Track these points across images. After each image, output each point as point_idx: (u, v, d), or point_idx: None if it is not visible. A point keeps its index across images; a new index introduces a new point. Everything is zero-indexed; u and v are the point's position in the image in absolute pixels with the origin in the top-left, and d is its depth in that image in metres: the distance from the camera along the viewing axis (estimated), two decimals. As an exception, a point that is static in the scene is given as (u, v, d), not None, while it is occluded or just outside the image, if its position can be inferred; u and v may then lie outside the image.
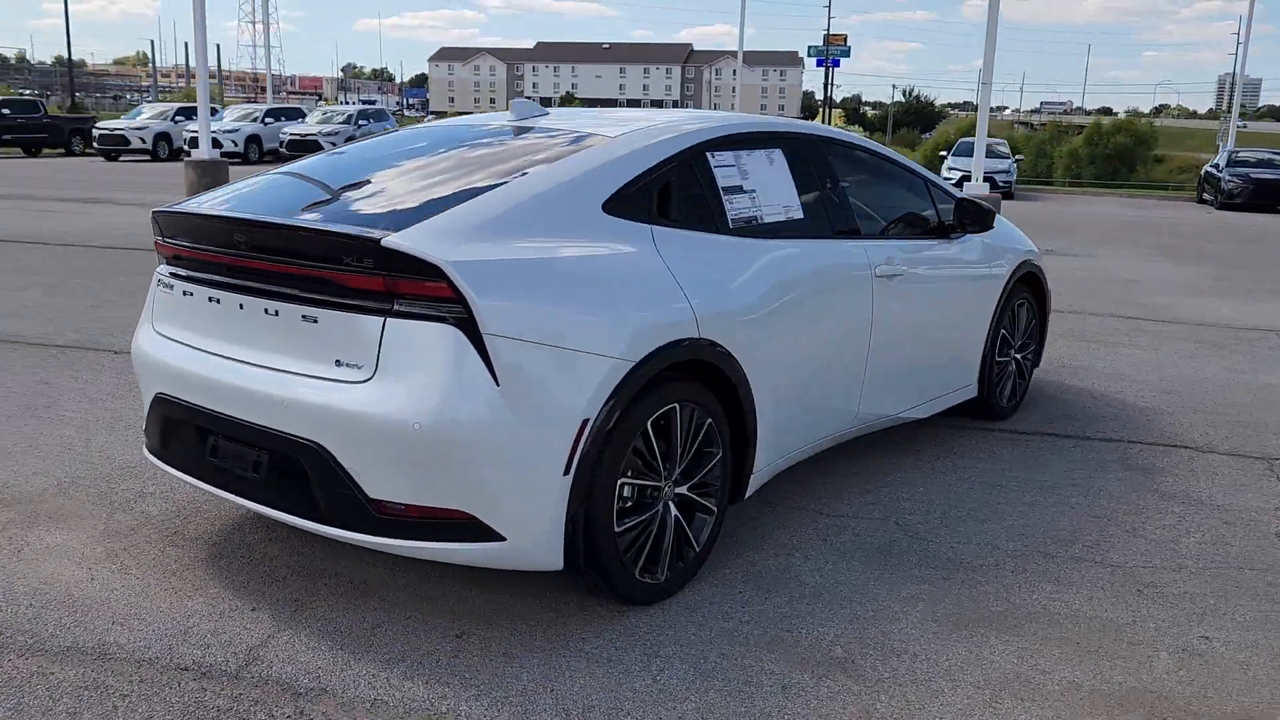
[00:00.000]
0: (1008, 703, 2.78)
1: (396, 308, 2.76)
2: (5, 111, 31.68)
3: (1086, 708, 2.75)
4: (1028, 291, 5.42)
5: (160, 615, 3.10)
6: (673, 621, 3.15)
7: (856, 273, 4.02)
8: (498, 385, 2.75)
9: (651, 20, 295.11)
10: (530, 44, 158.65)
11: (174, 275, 3.28)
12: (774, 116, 4.96)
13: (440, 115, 41.30)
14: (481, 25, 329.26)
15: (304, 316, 2.88)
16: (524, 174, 3.16)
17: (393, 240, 2.73)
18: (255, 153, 30.79)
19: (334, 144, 29.04)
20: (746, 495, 3.63)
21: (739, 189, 3.65)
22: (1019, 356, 5.47)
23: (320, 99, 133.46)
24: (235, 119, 32.07)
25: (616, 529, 3.04)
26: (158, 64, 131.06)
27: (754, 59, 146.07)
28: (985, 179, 14.41)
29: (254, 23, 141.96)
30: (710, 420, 3.32)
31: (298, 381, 2.88)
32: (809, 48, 64.96)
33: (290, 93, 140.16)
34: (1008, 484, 4.47)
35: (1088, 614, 3.29)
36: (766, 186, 3.76)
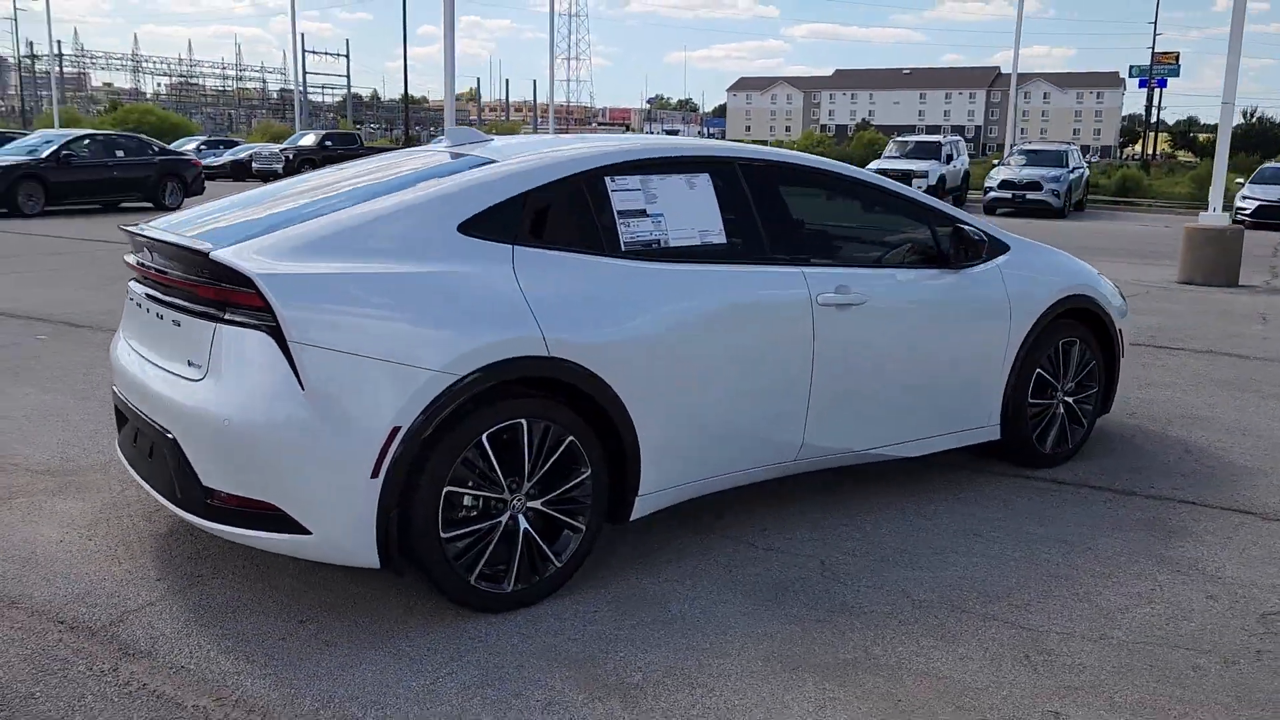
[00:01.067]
0: (758, 748, 2.66)
1: (226, 315, 3.06)
2: (328, 143, 35.74)
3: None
4: (1083, 328, 4.96)
5: (83, 577, 3.56)
6: (503, 630, 3.24)
7: (789, 299, 3.90)
8: (303, 389, 2.98)
9: (960, 43, 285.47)
10: (830, 72, 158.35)
11: (130, 287, 3.77)
12: (720, 141, 4.75)
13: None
14: (785, 54, 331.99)
15: (174, 322, 3.25)
16: (380, 198, 3.38)
17: (217, 254, 3.04)
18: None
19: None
20: (633, 516, 3.63)
21: (641, 213, 3.67)
22: (1071, 400, 5.01)
23: (626, 129, 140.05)
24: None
25: (444, 535, 3.17)
26: (483, 99, 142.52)
27: (1068, 81, 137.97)
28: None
29: (569, 59, 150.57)
30: (573, 438, 3.38)
31: (166, 378, 3.25)
32: (1130, 67, 60.45)
33: (600, 124, 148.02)
34: (987, 533, 4.14)
35: (942, 673, 3.05)
36: (679, 210, 3.76)
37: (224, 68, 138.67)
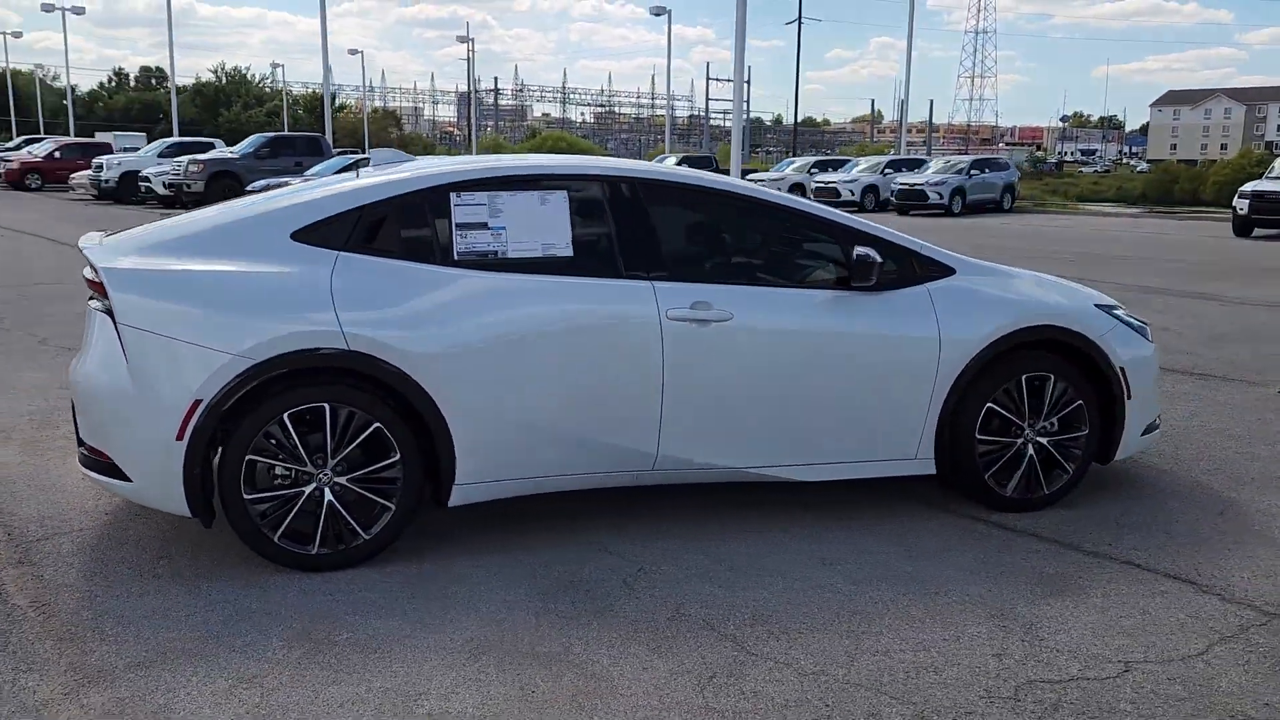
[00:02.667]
0: None
1: (92, 301, 3.83)
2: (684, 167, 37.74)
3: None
4: (1061, 363, 4.52)
5: (46, 503, 4.51)
6: (285, 585, 3.72)
7: (632, 312, 4.03)
8: (127, 362, 3.67)
9: None
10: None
11: None
12: (600, 159, 4.47)
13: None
14: (1238, 64, 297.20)
15: (89, 307, 4.08)
16: (234, 208, 4.00)
17: (86, 250, 3.81)
18: (871, 202, 32.51)
19: (940, 195, 29.64)
20: (454, 503, 3.97)
21: (482, 226, 4.00)
22: (1045, 441, 4.57)
23: (1038, 148, 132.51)
24: (860, 170, 34.19)
25: (247, 496, 3.73)
26: (898, 120, 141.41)
27: None
28: None
29: (972, 77, 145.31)
30: (379, 425, 3.81)
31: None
32: None
33: (1007, 143, 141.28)
34: (840, 562, 3.99)
35: (607, 675, 3.13)
36: (523, 225, 4.03)
37: (638, 96, 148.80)
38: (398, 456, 3.84)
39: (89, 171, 29.65)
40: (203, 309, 3.71)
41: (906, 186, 30.60)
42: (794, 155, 66.27)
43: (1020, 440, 4.54)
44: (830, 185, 32.93)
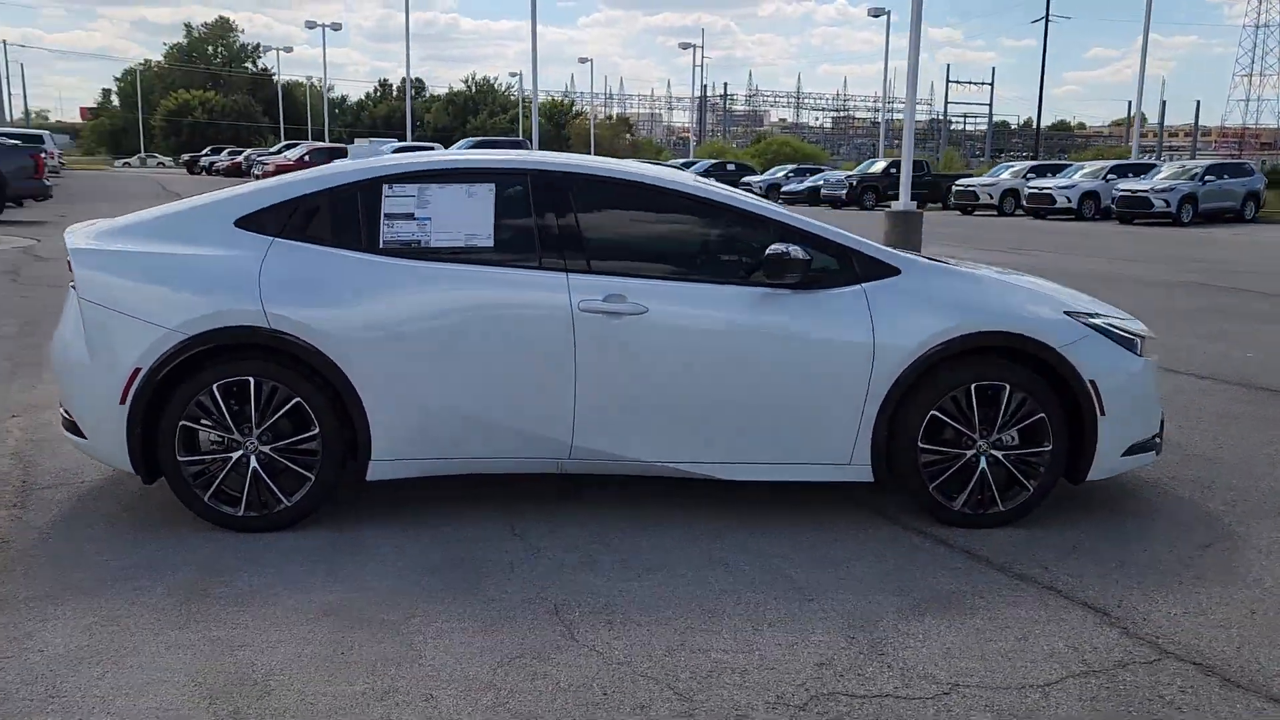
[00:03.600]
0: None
1: (69, 279, 4.32)
2: (892, 170, 36.72)
3: None
4: (1022, 372, 4.24)
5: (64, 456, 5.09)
6: (195, 540, 4.07)
7: (546, 302, 4.12)
8: (84, 332, 4.13)
9: None
10: None
11: None
12: (541, 153, 4.61)
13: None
14: None
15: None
16: (197, 198, 4.38)
17: (66, 232, 4.31)
18: (1091, 210, 30.59)
19: (1166, 202, 27.51)
20: (370, 477, 4.20)
21: (408, 216, 4.22)
22: (1001, 455, 4.30)
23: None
24: (1081, 175, 32.21)
25: (180, 458, 4.11)
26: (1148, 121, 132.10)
27: None
28: None
29: (1249, 75, 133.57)
30: (299, 399, 4.10)
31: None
32: None
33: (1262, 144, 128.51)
34: (733, 561, 3.93)
35: (379, 642, 3.27)
36: (448, 216, 4.21)
37: (874, 100, 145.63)
38: (316, 430, 4.11)
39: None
40: (146, 286, 4.11)
41: (1129, 193, 28.57)
42: (1037, 159, 63.03)
43: (972, 452, 4.29)
44: (1044, 191, 31.26)
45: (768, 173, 45.42)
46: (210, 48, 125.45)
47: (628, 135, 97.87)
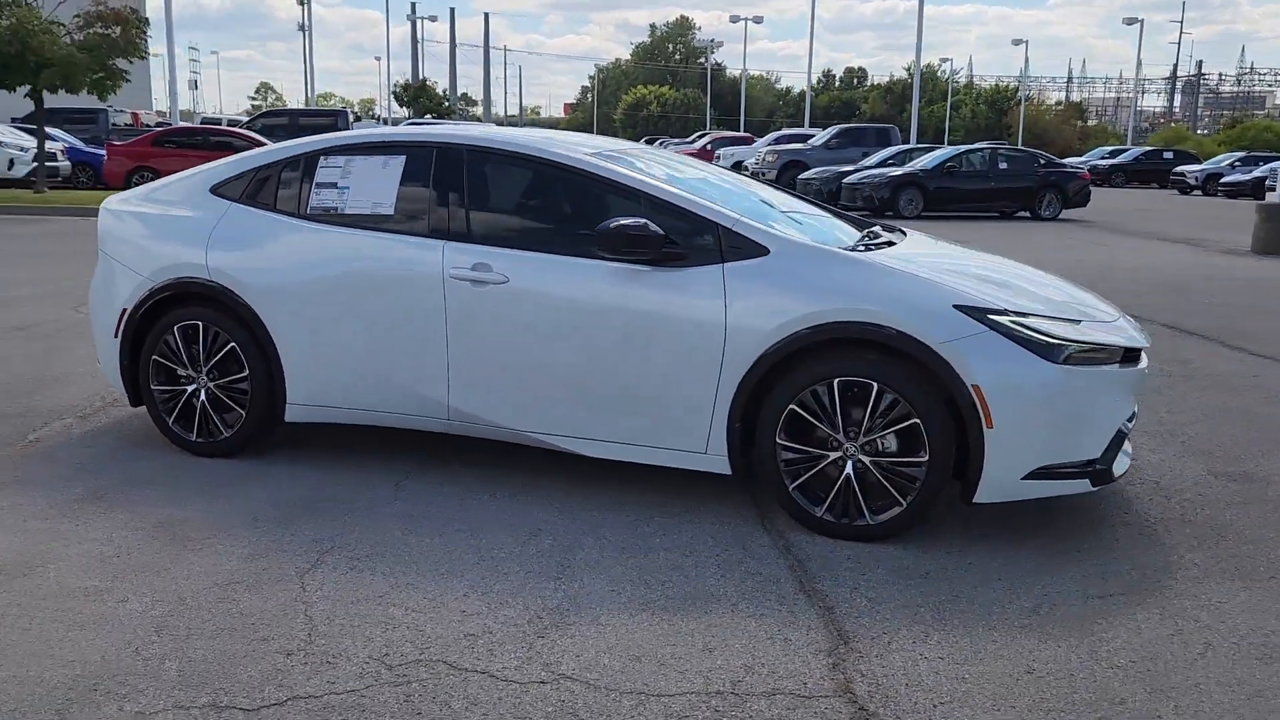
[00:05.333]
0: None
1: (109, 236, 5.23)
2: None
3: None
4: (899, 370, 3.75)
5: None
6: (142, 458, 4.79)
7: (421, 269, 4.32)
8: (99, 278, 5.02)
9: None
10: None
11: None
12: (453, 126, 4.78)
13: None
14: None
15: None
16: (202, 166, 5.07)
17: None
18: None
19: None
20: (286, 419, 4.69)
21: (333, 185, 4.61)
22: (870, 461, 3.83)
23: None
24: None
25: (153, 387, 4.88)
26: None
27: None
28: None
29: None
30: (234, 345, 4.69)
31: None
32: None
33: None
34: (546, 533, 3.91)
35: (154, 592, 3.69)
36: (363, 186, 4.55)
37: None
38: (246, 373, 4.67)
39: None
40: (134, 241, 4.90)
41: None
42: None
43: (836, 455, 3.88)
44: None
45: (1210, 161, 40.20)
46: (670, 45, 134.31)
47: (1077, 122, 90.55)
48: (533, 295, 4.18)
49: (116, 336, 4.88)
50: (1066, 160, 28.21)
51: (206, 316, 4.69)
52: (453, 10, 76.92)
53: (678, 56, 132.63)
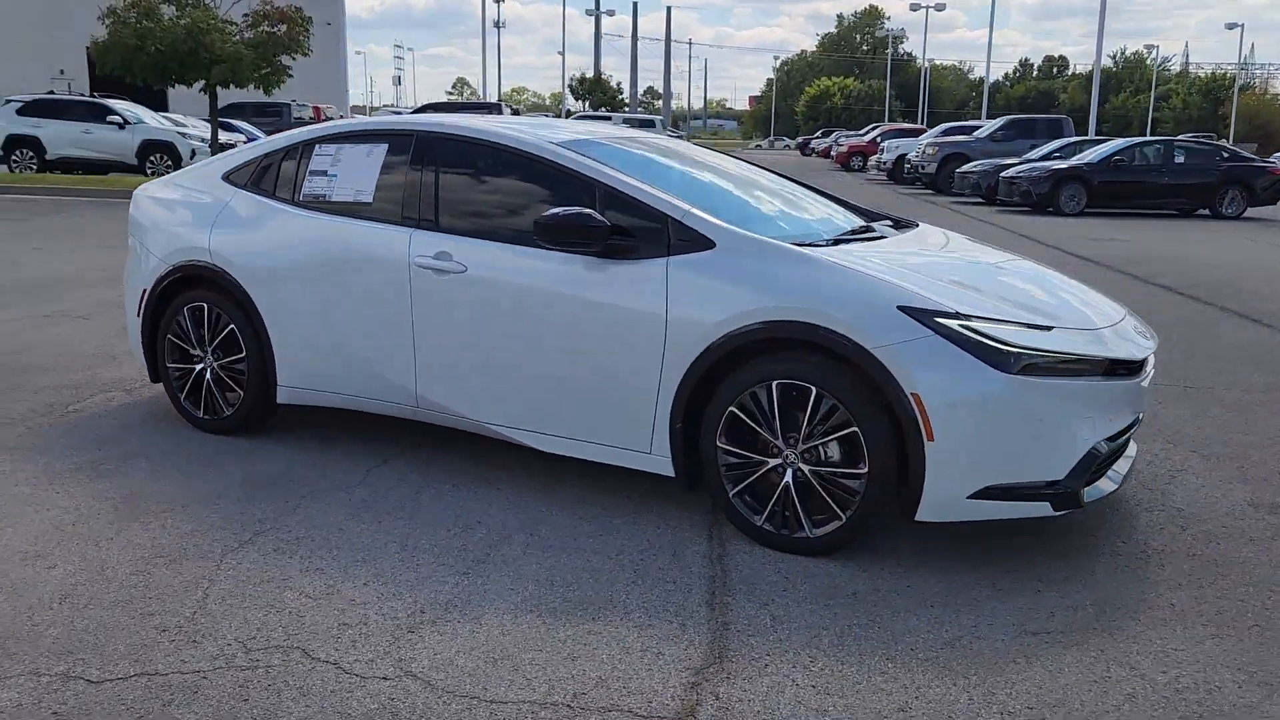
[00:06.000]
0: None
1: (148, 220, 5.50)
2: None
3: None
4: (840, 374, 3.50)
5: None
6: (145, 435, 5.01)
7: (390, 257, 4.32)
8: (129, 259, 5.29)
9: None
10: None
11: None
12: (432, 116, 4.75)
13: None
14: None
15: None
16: (223, 153, 5.25)
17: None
18: None
19: None
20: (279, 401, 4.81)
21: (323, 173, 4.69)
22: (808, 469, 3.59)
23: None
24: None
25: (167, 364, 5.10)
26: None
27: None
28: None
29: None
30: (233, 327, 4.85)
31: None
32: None
33: None
34: (475, 528, 3.86)
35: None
36: (348, 173, 4.59)
37: None
38: (243, 354, 4.82)
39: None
40: (154, 225, 5.13)
41: None
42: None
43: (776, 462, 3.66)
44: None
45: None
46: (857, 35, 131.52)
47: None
48: (488, 284, 4.13)
49: (139, 315, 5.12)
50: (1260, 156, 25.86)
51: (210, 299, 4.86)
52: (635, 4, 77.58)
53: (865, 47, 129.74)
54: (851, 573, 3.54)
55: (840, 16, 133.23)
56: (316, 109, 29.96)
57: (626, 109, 54.75)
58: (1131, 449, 4.09)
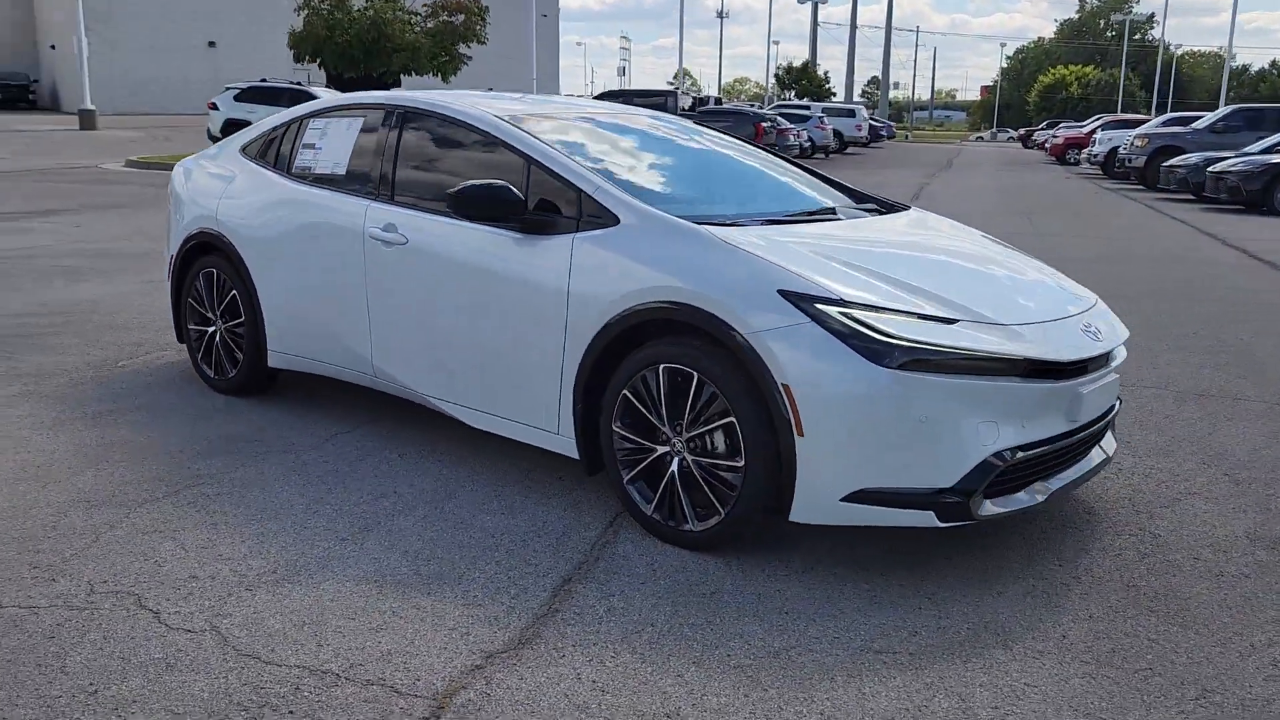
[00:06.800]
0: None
1: (195, 188, 5.84)
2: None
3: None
4: (720, 359, 3.30)
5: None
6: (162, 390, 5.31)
7: (349, 227, 4.40)
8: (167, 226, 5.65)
9: None
10: None
11: None
12: (413, 92, 4.65)
13: None
14: None
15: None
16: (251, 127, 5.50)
17: (192, 156, 5.84)
18: None
19: None
20: (270, 365, 5.01)
21: (313, 146, 4.83)
22: (691, 459, 3.40)
23: None
24: None
25: (189, 326, 5.42)
26: None
27: None
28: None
29: None
30: (235, 292, 5.10)
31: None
32: None
33: None
34: (394, 494, 3.89)
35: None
36: (331, 147, 4.71)
37: None
38: (244, 318, 5.05)
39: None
40: (182, 194, 5.44)
41: None
42: None
43: (664, 449, 3.50)
44: None
45: None
46: (1101, 21, 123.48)
47: None
48: (427, 257, 4.14)
49: (168, 279, 5.46)
50: None
51: (219, 264, 5.12)
52: (856, -8, 75.70)
53: (1110, 34, 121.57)
54: (726, 572, 3.33)
55: (1083, 2, 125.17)
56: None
57: (832, 98, 53.64)
58: (1091, 460, 3.64)
